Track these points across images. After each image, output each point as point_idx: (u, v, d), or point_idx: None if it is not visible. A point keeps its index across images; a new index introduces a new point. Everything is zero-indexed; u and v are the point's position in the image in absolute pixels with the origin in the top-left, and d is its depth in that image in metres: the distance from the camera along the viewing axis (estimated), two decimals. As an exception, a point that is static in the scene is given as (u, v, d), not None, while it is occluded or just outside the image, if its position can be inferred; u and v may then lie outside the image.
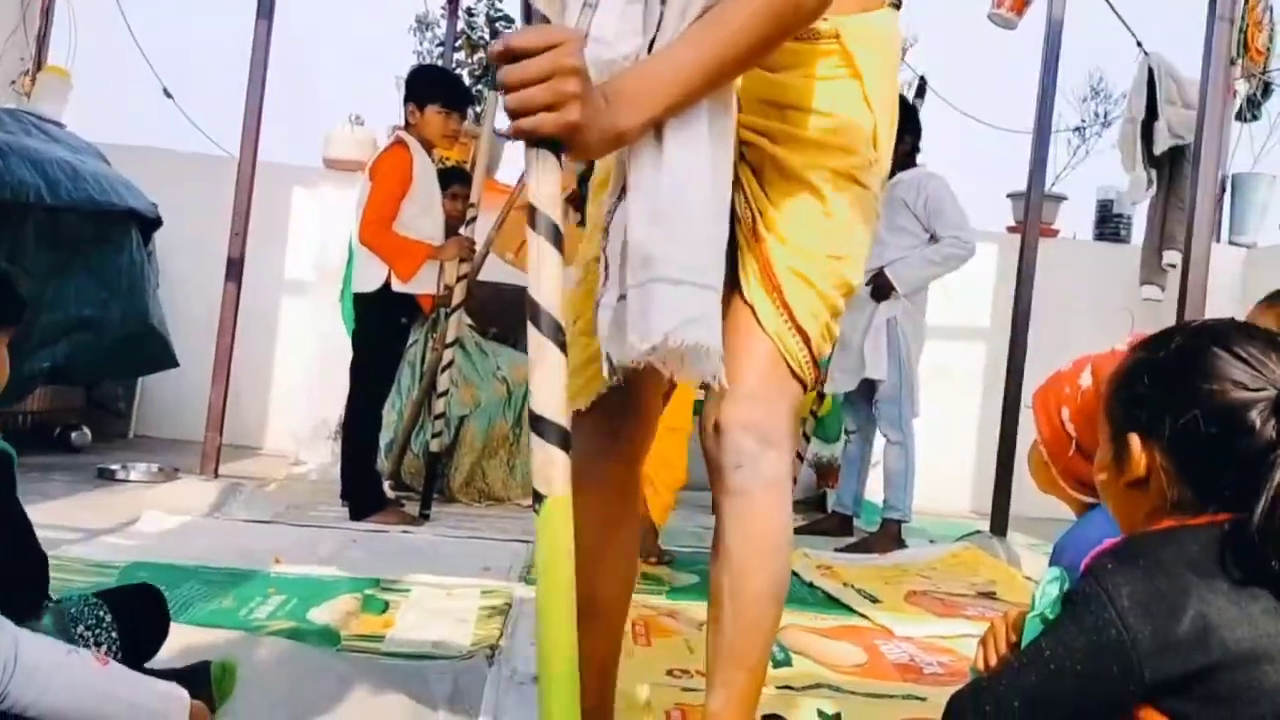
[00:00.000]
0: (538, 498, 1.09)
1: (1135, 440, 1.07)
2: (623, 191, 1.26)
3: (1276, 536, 0.96)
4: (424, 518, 4.14)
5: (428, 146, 4.10)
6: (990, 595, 3.54)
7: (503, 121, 1.31)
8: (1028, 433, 1.65)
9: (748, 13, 1.20)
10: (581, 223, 1.40)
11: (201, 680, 1.79)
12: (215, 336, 4.38)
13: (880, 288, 4.31)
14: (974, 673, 1.19)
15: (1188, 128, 4.97)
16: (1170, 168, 5.57)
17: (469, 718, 1.97)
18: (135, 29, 6.08)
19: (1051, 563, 1.44)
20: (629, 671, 2.33)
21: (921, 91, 5.08)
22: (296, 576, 2.98)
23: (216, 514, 3.92)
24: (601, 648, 1.55)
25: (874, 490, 4.70)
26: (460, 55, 6.95)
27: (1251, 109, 5.63)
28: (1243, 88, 5.47)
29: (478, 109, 5.32)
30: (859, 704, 2.25)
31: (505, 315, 4.82)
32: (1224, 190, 5.74)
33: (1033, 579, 3.61)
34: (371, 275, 3.95)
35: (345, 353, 4.19)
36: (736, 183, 1.39)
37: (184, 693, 1.52)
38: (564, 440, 1.09)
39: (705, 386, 1.31)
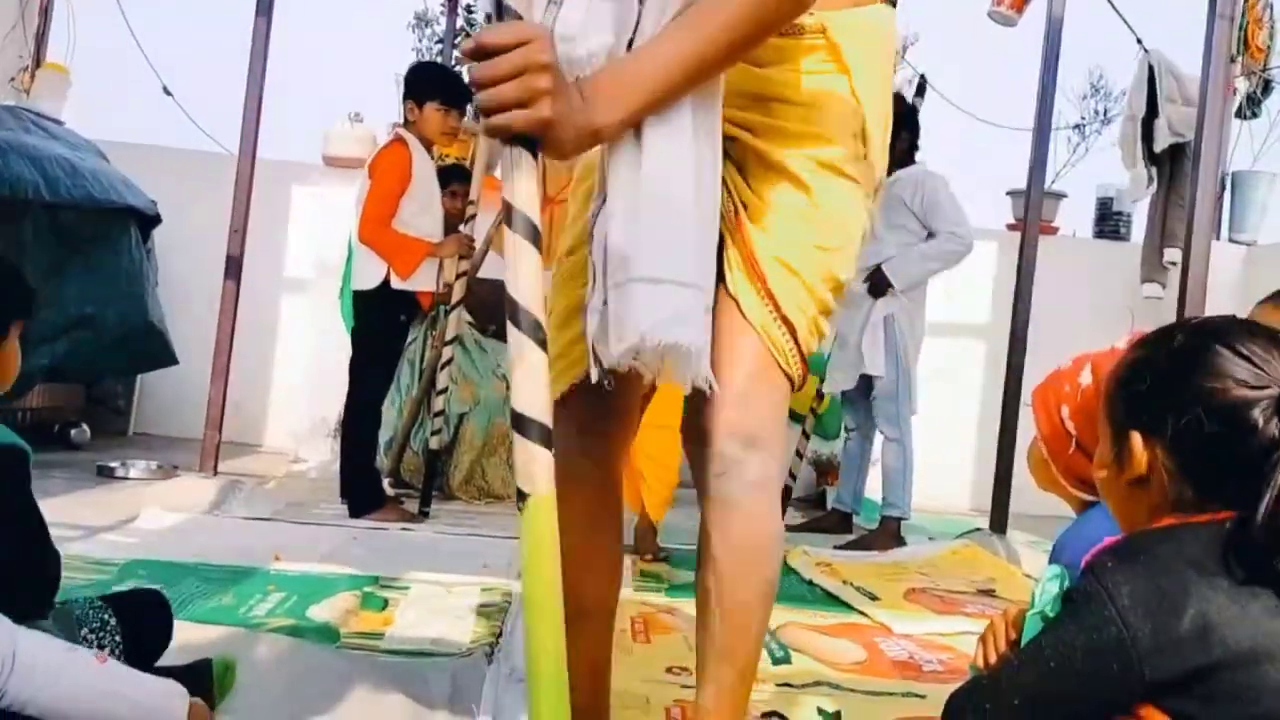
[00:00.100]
0: (521, 496, 1.09)
1: (1137, 438, 1.07)
2: (605, 195, 1.25)
3: (1279, 535, 0.96)
4: (423, 515, 4.14)
5: (427, 144, 4.09)
6: (990, 593, 3.54)
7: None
8: (1027, 430, 1.65)
9: (730, 9, 1.19)
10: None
11: (201, 678, 1.79)
12: (214, 334, 4.38)
13: (877, 284, 4.31)
14: (973, 670, 1.19)
15: (1188, 125, 4.97)
16: (1171, 165, 5.57)
17: (468, 715, 1.96)
18: (134, 26, 6.09)
19: (1051, 560, 1.44)
20: (628, 669, 2.34)
21: (922, 90, 5.08)
22: (296, 574, 2.97)
23: (216, 511, 3.92)
24: (591, 648, 1.54)
25: (874, 488, 4.70)
26: (459, 52, 6.95)
27: (1251, 106, 5.62)
28: (1243, 85, 5.47)
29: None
30: (858, 701, 2.25)
31: (505, 313, 4.81)
32: (1224, 188, 5.74)
33: (1032, 576, 3.61)
34: (371, 273, 3.95)
35: (344, 350, 4.19)
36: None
37: (183, 690, 1.52)
38: (546, 438, 1.09)
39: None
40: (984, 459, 5.15)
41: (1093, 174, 6.86)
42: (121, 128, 6.01)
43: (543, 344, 1.10)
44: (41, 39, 5.94)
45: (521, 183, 1.12)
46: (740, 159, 1.39)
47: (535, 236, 1.11)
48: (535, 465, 1.08)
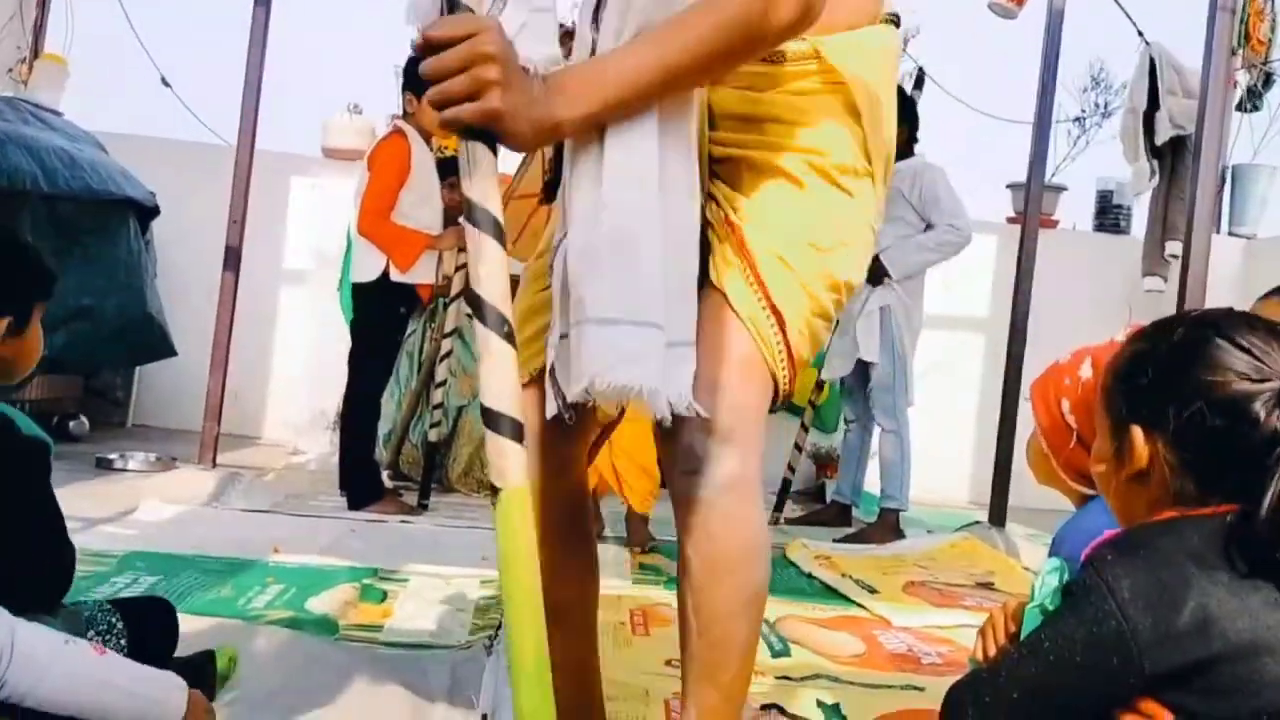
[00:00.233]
0: (493, 490, 1.08)
1: (1138, 433, 1.07)
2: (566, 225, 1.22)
3: None
4: (422, 508, 4.14)
5: (426, 136, 4.09)
6: (988, 586, 3.54)
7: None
8: (1027, 424, 1.65)
9: (711, 22, 1.16)
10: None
11: (201, 670, 1.80)
12: (213, 326, 4.37)
13: (874, 272, 4.32)
14: (973, 663, 1.19)
15: (1189, 118, 4.96)
16: (1172, 158, 5.56)
17: (467, 707, 1.96)
18: (133, 17, 6.07)
19: (1051, 553, 1.44)
20: (628, 661, 2.34)
21: (920, 82, 5.08)
22: (295, 566, 2.97)
23: (215, 503, 3.92)
24: (574, 648, 1.51)
25: (872, 482, 4.71)
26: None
27: (1252, 100, 5.61)
28: (1244, 78, 5.46)
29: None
30: (857, 694, 2.26)
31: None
32: (1224, 181, 5.73)
33: (1031, 570, 3.61)
34: (370, 265, 3.95)
35: (343, 342, 4.19)
36: (708, 196, 1.33)
37: (182, 682, 1.52)
38: (516, 432, 1.08)
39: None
40: (983, 452, 5.15)
41: (1093, 167, 6.82)
42: (120, 119, 5.98)
43: (509, 338, 1.09)
44: (39, 30, 5.93)
45: (480, 177, 1.11)
46: (733, 175, 1.35)
47: (498, 231, 1.10)
48: (506, 459, 1.07)
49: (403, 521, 3.86)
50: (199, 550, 3.04)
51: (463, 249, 4.12)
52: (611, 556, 3.49)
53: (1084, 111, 7.08)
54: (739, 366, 1.27)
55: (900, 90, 5.05)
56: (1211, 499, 1.02)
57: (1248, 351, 1.02)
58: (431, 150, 4.22)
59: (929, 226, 4.33)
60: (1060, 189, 6.51)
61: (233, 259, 4.37)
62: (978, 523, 4.54)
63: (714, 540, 1.25)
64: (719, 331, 1.28)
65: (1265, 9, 5.26)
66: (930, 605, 3.20)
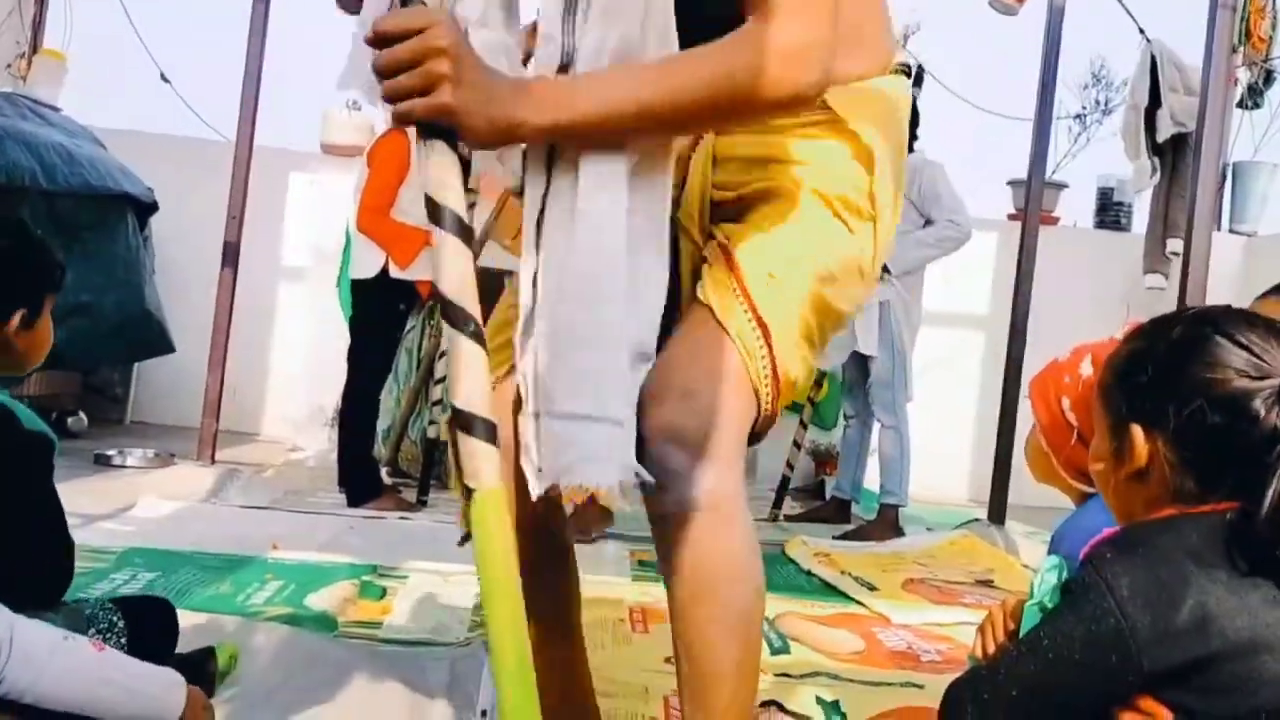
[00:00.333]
0: (468, 492, 1.07)
1: (1138, 431, 1.06)
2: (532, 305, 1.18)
3: None
4: (421, 504, 4.14)
5: (426, 132, 4.08)
6: (988, 583, 3.54)
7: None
8: (1027, 421, 1.64)
9: (700, 75, 1.12)
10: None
11: (200, 666, 1.80)
12: (212, 322, 4.37)
13: None
14: (972, 661, 1.19)
15: (1190, 115, 4.95)
16: (1173, 156, 5.55)
17: (466, 704, 1.96)
18: (132, 12, 6.06)
19: (1050, 551, 1.43)
20: (627, 659, 2.34)
21: (919, 79, 5.06)
22: (294, 563, 2.97)
23: (213, 500, 3.91)
24: (558, 646, 1.49)
25: (872, 479, 4.71)
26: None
27: (1253, 97, 5.60)
28: (1244, 75, 5.45)
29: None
30: (857, 691, 2.25)
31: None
32: (1225, 179, 5.72)
33: (1030, 567, 3.61)
34: (369, 261, 3.94)
35: (342, 339, 4.18)
36: (707, 235, 1.31)
37: (181, 678, 1.51)
38: (489, 433, 1.06)
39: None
40: (983, 449, 5.15)
41: (1093, 164, 6.82)
42: (119, 114, 5.97)
43: (477, 338, 1.07)
44: (38, 25, 5.92)
45: (439, 175, 1.08)
46: (732, 211, 1.32)
47: (462, 230, 1.08)
48: (478, 460, 1.06)
49: (401, 518, 3.86)
50: (197, 547, 3.03)
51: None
52: (611, 554, 3.49)
53: (1085, 108, 7.07)
54: (719, 378, 1.20)
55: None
56: (1211, 497, 1.02)
57: (1247, 349, 1.02)
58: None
59: (929, 223, 4.33)
60: (1061, 186, 6.51)
61: (231, 255, 4.36)
62: (977, 520, 4.54)
63: (692, 562, 1.18)
64: (700, 342, 1.23)
65: (1266, 6, 5.25)
66: (930, 603, 3.20)
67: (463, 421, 1.06)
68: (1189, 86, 5.27)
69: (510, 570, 1.06)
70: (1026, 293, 4.60)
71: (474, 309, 1.07)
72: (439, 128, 1.08)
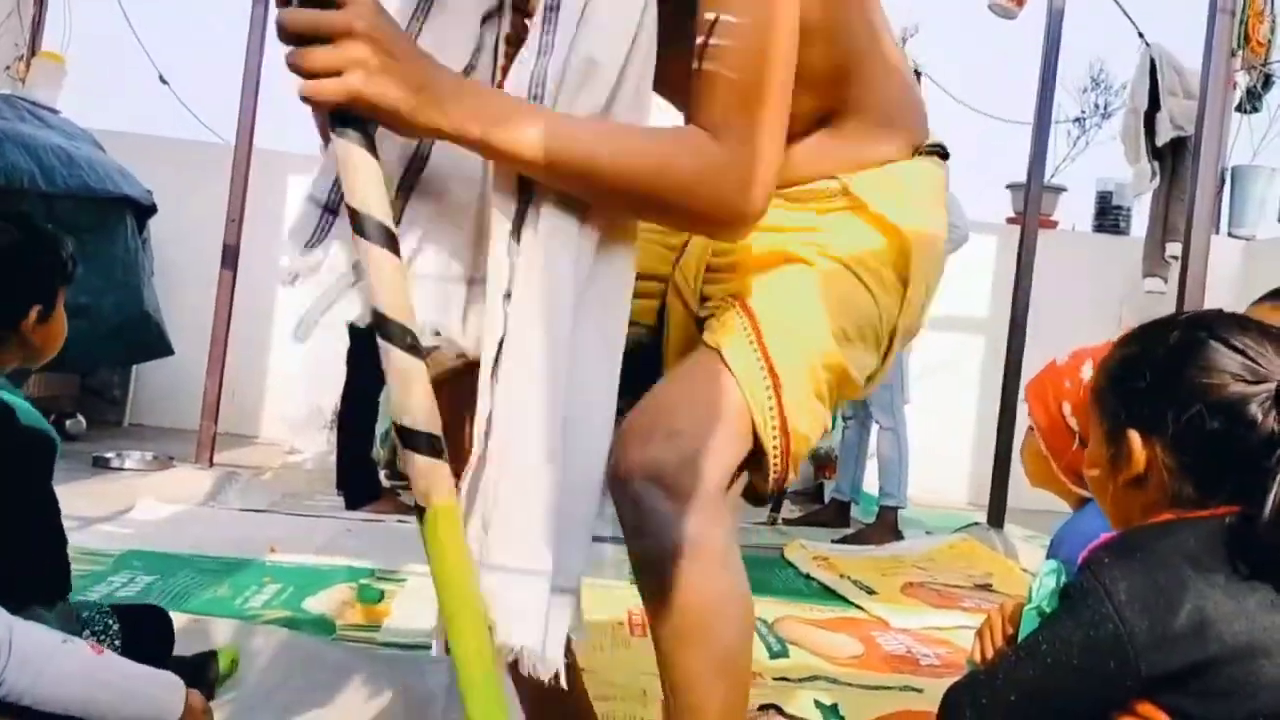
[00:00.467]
0: (420, 511, 1.02)
1: (1135, 437, 1.06)
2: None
3: None
4: (419, 508, 4.13)
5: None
6: (987, 587, 3.54)
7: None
8: (1025, 425, 1.64)
9: (648, 158, 1.04)
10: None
11: (201, 669, 1.80)
12: (210, 324, 4.36)
13: None
14: (970, 665, 1.19)
15: (1189, 119, 4.95)
16: (1173, 159, 5.56)
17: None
18: (131, 15, 6.06)
19: (1049, 555, 1.44)
20: (626, 662, 2.33)
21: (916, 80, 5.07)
22: (292, 565, 2.97)
23: (211, 503, 3.91)
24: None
25: (871, 482, 4.70)
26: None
27: (1252, 101, 5.61)
28: (1243, 80, 5.45)
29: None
30: (856, 695, 2.25)
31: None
32: (1224, 183, 5.73)
33: (1029, 571, 3.61)
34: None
35: (341, 341, 4.15)
36: (701, 299, 1.27)
37: (179, 681, 1.51)
38: (434, 447, 1.01)
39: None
40: (982, 453, 5.15)
41: (1092, 168, 6.83)
42: (117, 117, 5.97)
43: (413, 350, 1.01)
44: (37, 27, 5.92)
45: (360, 180, 1.00)
46: (732, 274, 1.27)
47: (388, 240, 1.00)
48: (428, 478, 1.01)
49: (400, 521, 3.85)
50: (196, 549, 3.03)
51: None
52: (610, 556, 3.48)
53: (1084, 112, 7.08)
54: (713, 418, 1.13)
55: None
56: (1210, 502, 1.02)
57: (1242, 353, 1.02)
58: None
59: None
60: (1060, 190, 6.51)
61: (230, 258, 4.36)
62: (976, 524, 4.54)
63: (674, 607, 1.11)
64: (698, 379, 1.17)
65: (1265, 11, 5.26)
66: (929, 606, 3.20)
67: (407, 439, 1.01)
68: (1188, 90, 5.28)
69: (469, 583, 1.02)
70: (1026, 296, 4.60)
71: (407, 317, 1.01)
72: (351, 117, 0.99)
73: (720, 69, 1.05)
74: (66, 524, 1.69)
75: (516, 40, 1.17)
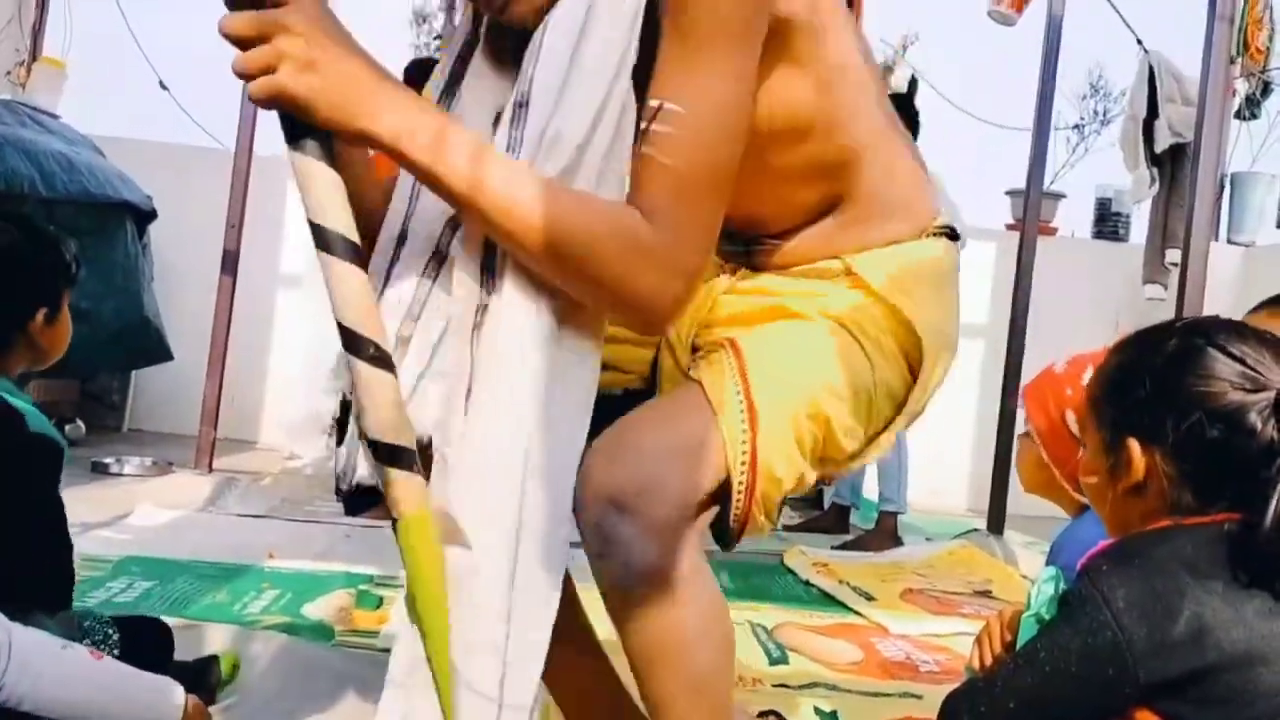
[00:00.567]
0: (394, 523, 1.02)
1: (1134, 445, 1.06)
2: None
3: None
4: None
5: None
6: (986, 594, 3.53)
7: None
8: (1020, 430, 1.64)
9: (575, 222, 1.00)
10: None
11: (203, 674, 1.79)
12: (210, 330, 4.36)
13: None
14: (969, 672, 1.19)
15: (1188, 126, 4.96)
16: (1172, 166, 5.56)
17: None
18: (131, 21, 6.07)
19: (1048, 562, 1.43)
20: (625, 665, 2.33)
21: (913, 87, 5.08)
22: (291, 571, 2.97)
23: (210, 508, 3.91)
24: (595, 661, 1.46)
25: (870, 488, 4.70)
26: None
27: (1251, 108, 5.62)
28: (1242, 86, 5.46)
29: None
30: (855, 702, 2.25)
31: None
32: (1223, 189, 5.73)
33: (1029, 578, 3.61)
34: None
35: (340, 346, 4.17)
36: (691, 348, 1.25)
37: (179, 687, 1.51)
38: (405, 459, 1.01)
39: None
40: (982, 459, 5.15)
41: (1092, 174, 6.85)
42: (118, 122, 5.98)
43: (380, 363, 1.00)
44: (38, 33, 5.92)
45: (319, 193, 0.98)
46: (725, 327, 1.24)
47: (354, 254, 0.99)
48: (398, 488, 1.01)
49: (399, 527, 3.84)
50: (194, 555, 3.03)
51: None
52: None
53: (1083, 119, 7.10)
54: (681, 444, 1.09)
55: (905, 96, 5.06)
56: (1209, 510, 1.02)
57: (1240, 361, 1.02)
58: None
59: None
60: (1059, 196, 6.52)
61: (230, 263, 4.36)
62: (976, 530, 4.54)
63: (642, 635, 1.09)
64: (673, 406, 1.16)
65: (1263, 18, 5.27)
66: (928, 613, 3.19)
67: (378, 451, 1.00)
68: (1187, 97, 5.28)
69: (443, 592, 1.03)
70: (1025, 303, 4.60)
71: (376, 334, 1.00)
72: (305, 127, 0.98)
73: (658, 155, 1.03)
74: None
75: None
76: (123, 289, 4.54)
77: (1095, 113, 7.10)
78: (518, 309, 1.05)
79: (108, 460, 4.44)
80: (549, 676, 1.09)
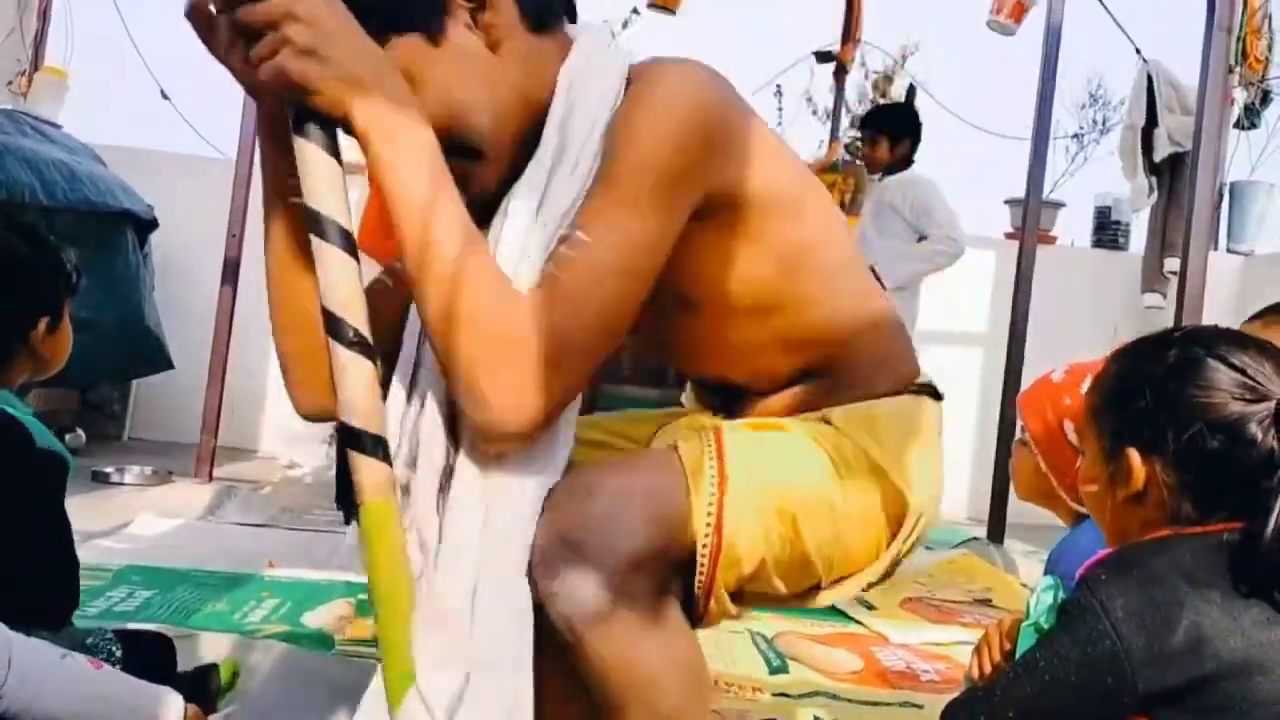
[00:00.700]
0: (354, 507, 1.04)
1: (1134, 455, 1.06)
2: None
3: None
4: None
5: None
6: (986, 602, 3.53)
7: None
8: (1017, 438, 1.64)
9: (475, 286, 1.01)
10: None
11: (202, 683, 1.79)
12: (210, 339, 4.37)
13: None
14: (968, 681, 1.19)
15: (1187, 135, 4.97)
16: (1171, 175, 5.57)
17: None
18: (133, 30, 6.09)
19: (1046, 571, 1.44)
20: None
21: (911, 96, 5.10)
22: (291, 580, 2.96)
23: (210, 517, 3.91)
24: None
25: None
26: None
27: (1250, 117, 5.63)
28: (1241, 96, 5.47)
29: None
30: (856, 711, 2.25)
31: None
32: (1222, 198, 5.74)
33: (1029, 586, 3.60)
34: (370, 279, 3.94)
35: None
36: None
37: (178, 697, 1.51)
38: (374, 446, 1.02)
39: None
40: (981, 468, 5.15)
41: (1091, 183, 6.88)
42: (119, 132, 6.00)
43: (358, 347, 1.02)
44: (40, 42, 5.94)
45: (318, 180, 1.01)
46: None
47: (347, 241, 1.01)
48: (363, 473, 1.02)
49: (399, 536, 3.84)
50: (194, 564, 3.03)
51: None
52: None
53: (1082, 128, 7.13)
54: (638, 488, 1.08)
55: (906, 104, 5.08)
56: (1209, 519, 1.02)
57: (1241, 371, 1.02)
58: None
59: (923, 238, 4.35)
60: (1058, 205, 6.53)
61: (231, 273, 4.36)
62: (976, 539, 4.54)
63: (600, 675, 1.06)
64: (644, 457, 1.17)
65: (1262, 27, 5.28)
66: (928, 622, 3.19)
67: (347, 436, 1.02)
68: (1185, 106, 5.30)
69: (401, 581, 1.04)
70: (1024, 312, 4.60)
71: (359, 320, 1.02)
72: (308, 113, 1.00)
73: (558, 271, 1.05)
74: (66, 540, 1.68)
75: None
76: (124, 298, 4.55)
77: (1094, 122, 7.14)
78: (474, 474, 1.07)
79: (108, 469, 4.44)
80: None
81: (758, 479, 1.12)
